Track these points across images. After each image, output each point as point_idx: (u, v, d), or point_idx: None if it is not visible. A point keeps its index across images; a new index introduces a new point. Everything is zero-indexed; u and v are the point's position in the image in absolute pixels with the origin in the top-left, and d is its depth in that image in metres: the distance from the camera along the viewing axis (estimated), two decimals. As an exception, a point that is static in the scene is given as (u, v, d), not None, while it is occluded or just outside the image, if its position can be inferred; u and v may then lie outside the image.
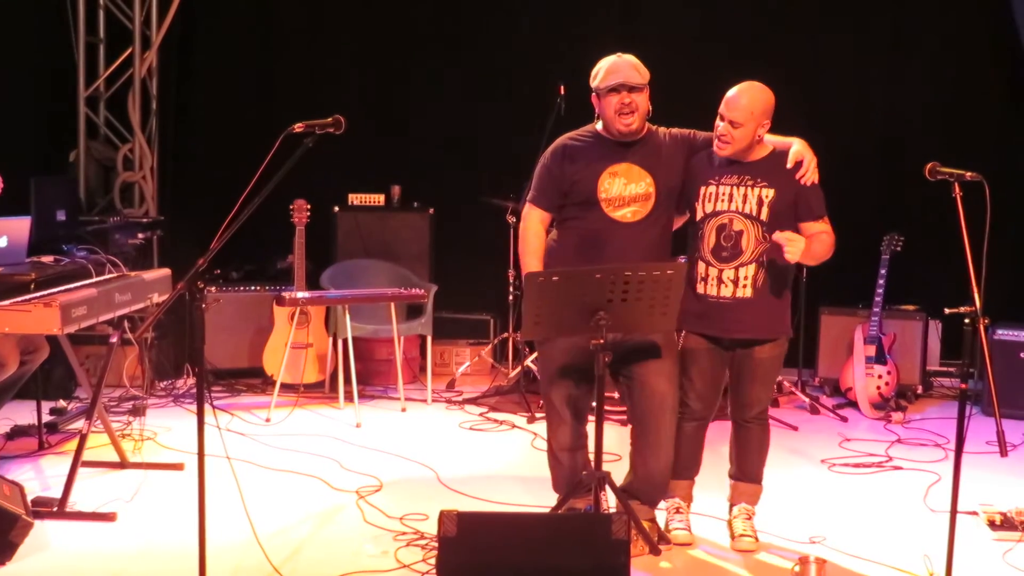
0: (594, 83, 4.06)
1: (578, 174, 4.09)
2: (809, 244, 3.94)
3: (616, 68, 4.01)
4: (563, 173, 4.12)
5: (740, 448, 4.27)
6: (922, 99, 7.28)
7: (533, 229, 4.19)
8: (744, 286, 4.02)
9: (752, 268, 4.02)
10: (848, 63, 7.31)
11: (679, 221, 4.24)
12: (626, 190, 4.06)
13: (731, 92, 4.01)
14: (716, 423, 4.41)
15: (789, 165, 3.99)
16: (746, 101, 3.95)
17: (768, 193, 4.00)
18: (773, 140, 4.09)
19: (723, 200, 4.03)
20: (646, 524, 4.13)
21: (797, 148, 4.03)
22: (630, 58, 4.06)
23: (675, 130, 4.20)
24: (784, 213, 4.00)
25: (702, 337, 4.10)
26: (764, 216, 4.00)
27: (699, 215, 4.08)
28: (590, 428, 4.22)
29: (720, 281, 4.03)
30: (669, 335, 4.11)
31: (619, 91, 3.99)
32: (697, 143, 4.16)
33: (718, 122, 4.01)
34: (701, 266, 4.06)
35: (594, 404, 3.91)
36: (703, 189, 4.06)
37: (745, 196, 4.01)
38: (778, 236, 3.89)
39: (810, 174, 3.99)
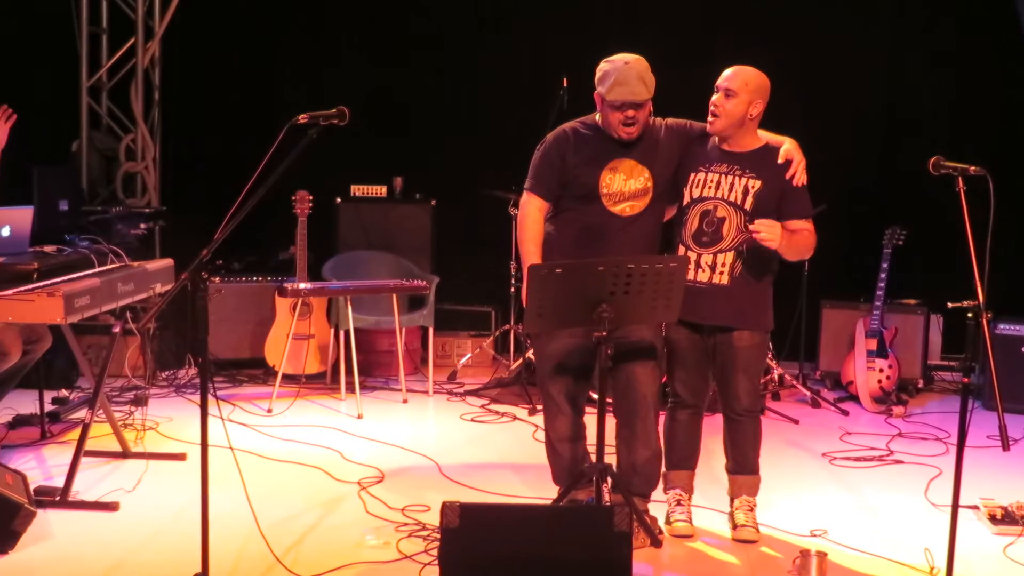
0: (600, 88, 4.00)
1: (579, 167, 4.09)
2: (790, 236, 3.96)
3: (624, 80, 3.94)
4: (564, 163, 4.11)
5: (733, 442, 4.27)
6: (925, 92, 7.27)
7: (532, 217, 4.17)
8: (721, 273, 4.04)
9: (730, 256, 4.04)
10: (851, 55, 7.30)
11: (669, 212, 4.25)
12: (625, 186, 4.08)
13: (727, 70, 4.06)
14: (715, 416, 4.42)
15: (780, 161, 4.01)
16: (741, 73, 4.02)
17: (755, 184, 4.02)
18: (766, 136, 4.12)
19: (710, 187, 4.06)
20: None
21: (787, 147, 4.05)
22: (637, 66, 3.97)
23: (671, 120, 4.20)
24: (768, 206, 4.01)
25: (682, 326, 4.11)
26: (748, 206, 4.01)
27: (686, 200, 4.11)
28: (587, 420, 4.24)
29: (698, 266, 4.06)
30: (656, 331, 4.13)
31: (624, 109, 3.98)
32: (693, 133, 4.17)
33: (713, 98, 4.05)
34: (681, 251, 4.09)
35: (591, 396, 3.91)
36: (693, 176, 4.10)
37: (732, 185, 4.04)
38: (755, 224, 3.89)
39: (799, 174, 4.02)
